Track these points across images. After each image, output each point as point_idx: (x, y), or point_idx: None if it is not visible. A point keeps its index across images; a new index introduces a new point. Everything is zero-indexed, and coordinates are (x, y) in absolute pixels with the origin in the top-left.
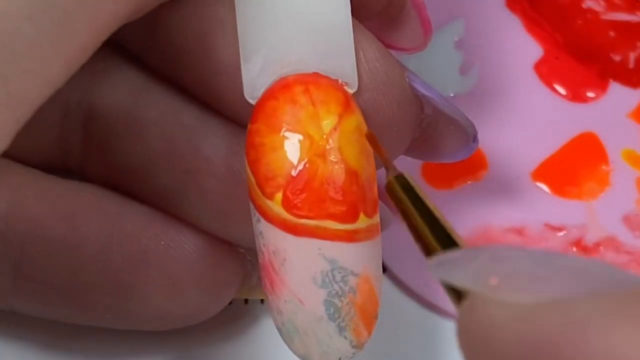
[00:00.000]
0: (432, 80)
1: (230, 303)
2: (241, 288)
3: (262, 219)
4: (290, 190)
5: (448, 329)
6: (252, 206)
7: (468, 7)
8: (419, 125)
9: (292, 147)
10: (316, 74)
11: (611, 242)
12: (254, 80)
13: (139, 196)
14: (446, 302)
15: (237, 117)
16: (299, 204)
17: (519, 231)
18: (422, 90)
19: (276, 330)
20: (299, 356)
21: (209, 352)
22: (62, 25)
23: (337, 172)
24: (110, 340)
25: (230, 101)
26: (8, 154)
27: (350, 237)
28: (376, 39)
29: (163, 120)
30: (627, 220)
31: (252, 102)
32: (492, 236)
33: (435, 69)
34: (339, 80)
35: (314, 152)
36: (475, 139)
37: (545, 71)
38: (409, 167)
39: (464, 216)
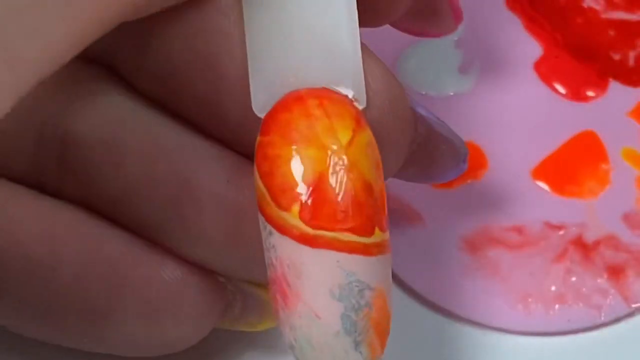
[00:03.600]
0: (432, 80)
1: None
2: (224, 319)
3: (275, 232)
4: (308, 202)
5: (449, 329)
6: (262, 219)
7: (468, 6)
8: (412, 144)
9: (309, 159)
10: (326, 89)
11: (611, 241)
12: (264, 93)
13: (119, 222)
14: (447, 301)
15: (237, 135)
16: (318, 216)
17: (519, 230)
18: (418, 109)
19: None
20: None
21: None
22: None
23: (354, 184)
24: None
25: (233, 119)
26: None
27: (366, 250)
28: (379, 59)
29: (145, 148)
30: (627, 218)
31: (262, 115)
32: (492, 235)
33: (435, 68)
34: (348, 96)
35: (332, 164)
36: (465, 159)
37: (545, 70)
38: None
39: (463, 215)
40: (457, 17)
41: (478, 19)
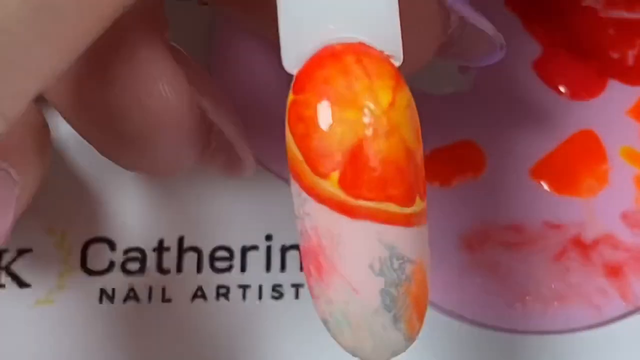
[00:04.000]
0: (431, 78)
1: (227, 298)
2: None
3: (311, 199)
4: (349, 169)
5: (447, 328)
6: (296, 185)
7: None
8: (445, 33)
9: (349, 122)
10: (363, 44)
11: (610, 240)
12: (296, 48)
13: None
14: (446, 300)
15: None
16: (359, 184)
17: (518, 229)
18: (451, 2)
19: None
20: (348, 350)
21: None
22: None
23: (397, 150)
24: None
25: None
26: None
27: (408, 221)
28: None
29: None
30: (626, 217)
31: (294, 71)
32: (491, 234)
33: (435, 67)
34: (384, 52)
35: (374, 128)
36: (503, 47)
37: (544, 69)
38: None
39: (462, 214)
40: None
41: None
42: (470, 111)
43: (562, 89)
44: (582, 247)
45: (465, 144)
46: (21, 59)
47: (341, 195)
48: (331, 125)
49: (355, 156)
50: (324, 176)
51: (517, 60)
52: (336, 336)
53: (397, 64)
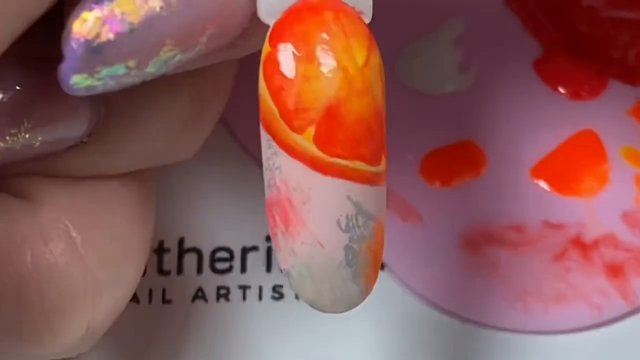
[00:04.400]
0: (432, 77)
1: (228, 299)
2: None
3: (283, 153)
4: (324, 126)
5: (447, 328)
6: (268, 137)
7: (467, 4)
8: None
9: (328, 78)
10: (338, 0)
11: (610, 240)
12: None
13: None
14: (447, 300)
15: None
16: (334, 141)
17: (518, 229)
18: None
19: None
20: (308, 302)
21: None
22: None
23: (371, 109)
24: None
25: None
26: None
27: (375, 179)
28: None
29: None
30: (626, 217)
31: (270, 22)
32: (491, 233)
33: (435, 66)
34: (355, 9)
35: (350, 86)
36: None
37: (545, 69)
38: (409, 165)
39: (462, 214)
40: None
41: (478, 18)
42: (470, 111)
43: (562, 89)
44: (583, 247)
45: (465, 144)
46: None
47: (315, 151)
48: (308, 81)
49: (331, 113)
50: (299, 131)
51: (517, 60)
52: (297, 287)
53: (367, 21)
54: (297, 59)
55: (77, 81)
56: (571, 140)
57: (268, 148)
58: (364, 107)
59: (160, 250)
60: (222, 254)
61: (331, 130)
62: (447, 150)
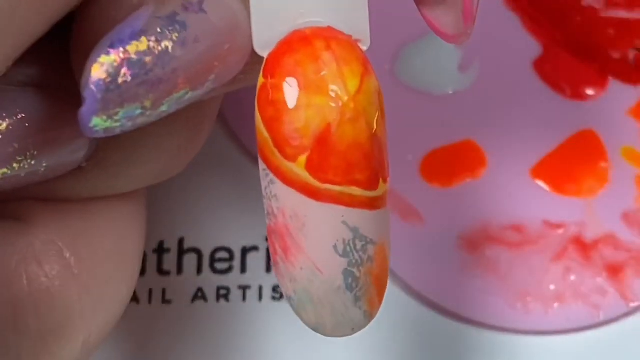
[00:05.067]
0: (431, 77)
1: (228, 299)
2: None
3: (278, 181)
4: (316, 153)
5: (447, 328)
6: (264, 166)
7: None
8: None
9: (317, 107)
10: (332, 29)
11: (610, 240)
12: (267, 30)
13: None
14: (446, 300)
15: None
16: (326, 168)
17: (518, 228)
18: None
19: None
20: (310, 326)
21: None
22: None
23: (363, 135)
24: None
25: None
26: None
27: (372, 204)
28: None
29: None
30: (626, 217)
31: (264, 54)
32: (491, 233)
33: (435, 66)
34: (352, 37)
35: (341, 113)
36: None
37: (544, 69)
38: (409, 165)
39: (463, 214)
40: (467, 18)
41: (478, 18)
42: (470, 111)
43: (562, 89)
44: (583, 247)
45: (465, 144)
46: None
47: (308, 178)
48: (299, 110)
49: (323, 140)
50: (292, 159)
51: (517, 60)
52: (299, 312)
53: (365, 48)
54: (288, 89)
55: (97, 123)
56: (571, 140)
57: (265, 177)
58: (357, 133)
59: (160, 250)
60: (222, 254)
61: (323, 157)
62: (447, 150)
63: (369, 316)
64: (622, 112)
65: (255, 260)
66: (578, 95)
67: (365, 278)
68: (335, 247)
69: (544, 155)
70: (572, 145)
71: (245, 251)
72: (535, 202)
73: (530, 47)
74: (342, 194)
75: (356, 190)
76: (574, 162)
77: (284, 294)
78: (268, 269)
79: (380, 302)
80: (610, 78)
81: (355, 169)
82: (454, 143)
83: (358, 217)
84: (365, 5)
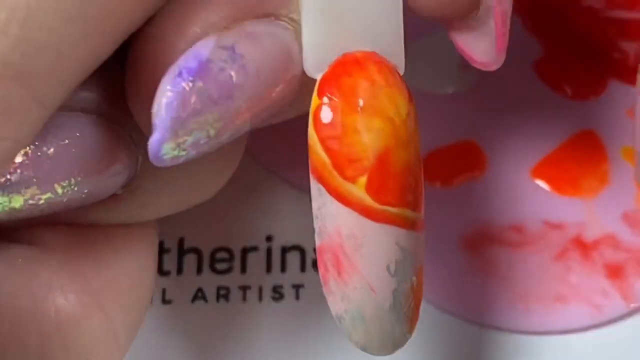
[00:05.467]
0: (432, 77)
1: (228, 299)
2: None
3: (335, 201)
4: (376, 175)
5: (448, 328)
6: (319, 186)
7: None
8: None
9: (378, 130)
10: (377, 54)
11: (610, 240)
12: (318, 53)
13: None
14: (447, 301)
15: None
16: (384, 190)
17: (518, 229)
18: None
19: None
20: (358, 345)
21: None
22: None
23: (413, 158)
24: None
25: None
26: None
27: (417, 226)
28: None
29: None
30: (627, 217)
31: (316, 76)
32: (491, 234)
33: (435, 66)
34: (391, 63)
35: (397, 137)
36: None
37: (545, 69)
38: None
39: (463, 214)
40: (499, 47)
41: None
42: (470, 111)
43: (562, 89)
44: (583, 247)
45: (465, 144)
46: (68, 51)
47: (368, 199)
48: (359, 133)
49: (382, 163)
50: (352, 180)
51: (518, 60)
52: (349, 332)
53: (401, 73)
54: (346, 110)
55: (167, 151)
56: (571, 140)
57: (319, 197)
58: (409, 156)
59: (160, 250)
60: (222, 254)
61: (382, 179)
62: (447, 150)
63: (409, 333)
64: (623, 112)
65: (255, 261)
66: (578, 95)
67: (409, 297)
68: (388, 267)
69: (545, 156)
70: (572, 145)
71: (245, 251)
72: (535, 203)
73: (530, 47)
74: (397, 216)
75: (408, 212)
76: (574, 163)
77: (334, 313)
78: (268, 269)
79: (417, 319)
80: (610, 78)
81: (407, 190)
82: (455, 143)
83: (408, 238)
84: (401, 33)
